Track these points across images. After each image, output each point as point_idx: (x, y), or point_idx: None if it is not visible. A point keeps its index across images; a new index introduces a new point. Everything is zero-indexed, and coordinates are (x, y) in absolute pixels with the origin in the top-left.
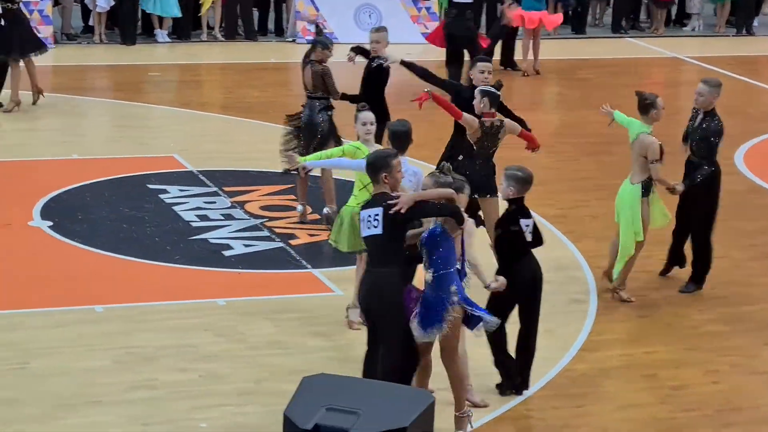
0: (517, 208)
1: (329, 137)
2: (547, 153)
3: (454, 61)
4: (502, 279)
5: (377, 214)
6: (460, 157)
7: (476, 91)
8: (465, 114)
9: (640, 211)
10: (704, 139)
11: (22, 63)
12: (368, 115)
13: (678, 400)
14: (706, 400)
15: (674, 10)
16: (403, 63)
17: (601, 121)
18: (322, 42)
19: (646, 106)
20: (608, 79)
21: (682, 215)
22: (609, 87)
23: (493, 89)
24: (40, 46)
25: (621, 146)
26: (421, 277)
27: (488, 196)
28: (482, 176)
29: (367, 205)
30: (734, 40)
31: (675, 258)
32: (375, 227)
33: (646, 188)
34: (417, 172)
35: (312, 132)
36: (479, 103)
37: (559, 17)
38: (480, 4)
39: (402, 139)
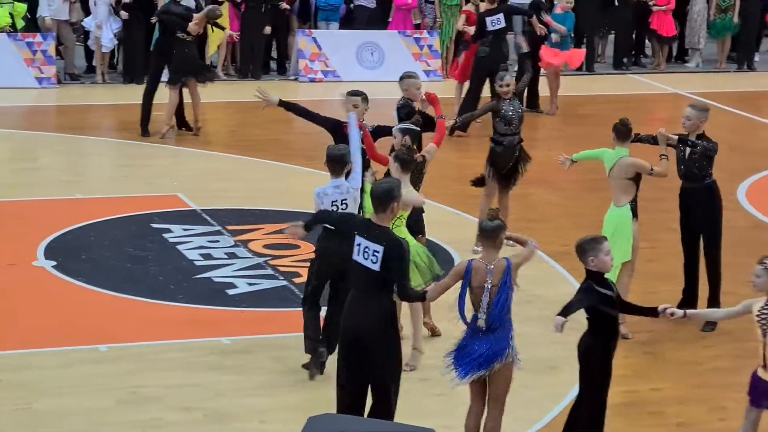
0: None
1: None
2: (550, 189)
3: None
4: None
5: (377, 251)
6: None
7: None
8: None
9: (630, 231)
10: (704, 155)
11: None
12: None
13: None
14: None
15: (675, 46)
16: (281, 104)
17: None
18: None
19: (629, 132)
20: (610, 114)
21: (688, 249)
22: (611, 123)
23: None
24: (201, 76)
25: None
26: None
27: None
28: (413, 219)
29: (366, 233)
30: (735, 76)
31: (691, 296)
32: (374, 263)
33: (633, 211)
34: (341, 185)
35: None
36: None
37: (580, 53)
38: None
39: (338, 162)
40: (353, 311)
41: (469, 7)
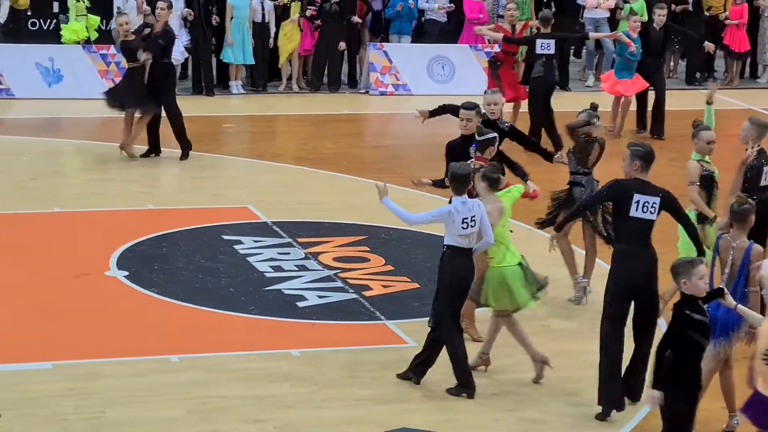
0: None
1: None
2: None
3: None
4: None
5: (655, 203)
6: None
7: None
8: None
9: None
10: (750, 171)
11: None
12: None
13: None
14: None
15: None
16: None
17: (676, 174)
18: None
19: (694, 133)
20: (682, 130)
21: None
22: (683, 138)
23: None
24: (143, 106)
25: None
26: None
27: None
28: None
29: (642, 190)
30: None
31: None
32: (652, 213)
33: (700, 216)
34: (466, 201)
35: None
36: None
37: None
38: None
39: (464, 181)
40: (632, 262)
41: (505, 25)
